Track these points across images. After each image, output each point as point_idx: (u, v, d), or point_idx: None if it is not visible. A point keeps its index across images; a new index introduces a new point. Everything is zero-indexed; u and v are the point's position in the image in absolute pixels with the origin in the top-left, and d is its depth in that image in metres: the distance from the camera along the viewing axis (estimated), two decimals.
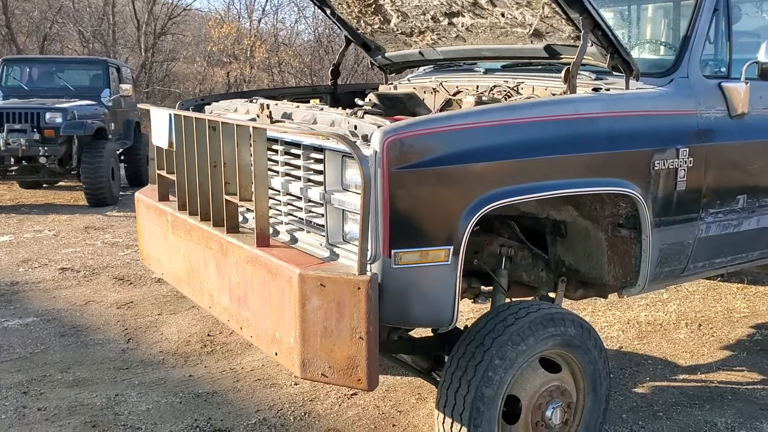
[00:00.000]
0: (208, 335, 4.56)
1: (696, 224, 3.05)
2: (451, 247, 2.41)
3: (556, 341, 2.74)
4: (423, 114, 3.79)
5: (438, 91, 3.76)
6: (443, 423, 2.66)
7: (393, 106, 3.86)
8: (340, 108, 3.00)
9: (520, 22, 3.04)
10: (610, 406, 3.59)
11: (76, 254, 6.73)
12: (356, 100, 3.93)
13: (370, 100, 3.90)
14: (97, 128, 9.64)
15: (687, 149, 2.91)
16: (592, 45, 2.88)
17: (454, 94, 3.66)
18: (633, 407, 3.61)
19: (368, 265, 2.34)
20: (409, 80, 4.16)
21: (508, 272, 3.29)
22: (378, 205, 2.29)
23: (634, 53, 3.55)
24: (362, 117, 2.59)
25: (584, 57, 2.96)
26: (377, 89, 4.22)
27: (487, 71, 3.64)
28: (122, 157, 10.97)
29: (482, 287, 3.39)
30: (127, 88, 10.58)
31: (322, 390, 3.73)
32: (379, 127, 2.37)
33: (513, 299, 3.81)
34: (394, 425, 3.42)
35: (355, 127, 2.53)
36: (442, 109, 3.72)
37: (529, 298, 3.54)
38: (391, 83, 4.22)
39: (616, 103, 2.79)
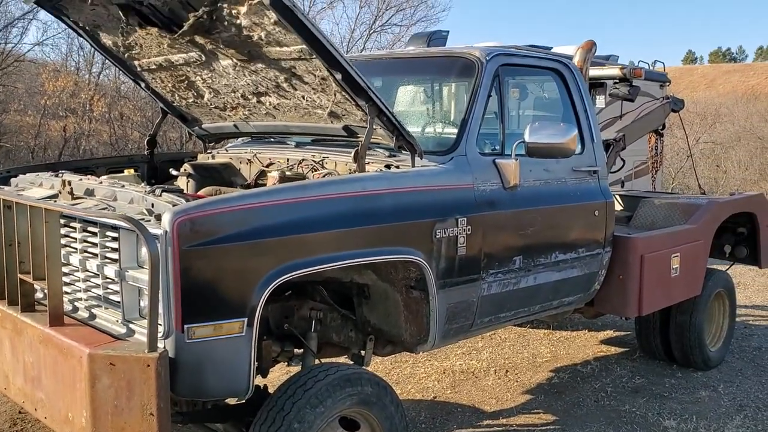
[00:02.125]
0: (20, 413, 4.32)
1: (478, 284, 3.42)
2: (246, 319, 2.56)
3: (353, 400, 2.94)
4: (239, 183, 3.96)
5: (252, 162, 3.95)
6: None
7: (209, 175, 4.00)
8: (144, 184, 3.09)
9: (319, 104, 3.31)
10: None
11: None
12: (171, 170, 4.02)
13: (185, 170, 4.02)
14: None
15: (465, 218, 3.28)
16: (381, 128, 3.20)
17: (267, 166, 3.87)
18: None
19: (162, 341, 2.43)
20: (227, 150, 4.32)
21: (320, 334, 3.48)
22: (169, 281, 2.40)
23: (428, 130, 3.97)
24: (160, 195, 2.70)
25: (375, 138, 3.30)
26: (195, 158, 4.34)
27: (298, 145, 3.89)
28: None
29: (295, 350, 3.55)
30: None
31: None
32: (174, 206, 2.51)
33: (327, 359, 4.02)
34: None
35: (153, 206, 2.64)
36: (256, 180, 3.91)
37: (342, 358, 3.76)
38: (210, 152, 4.34)
39: (400, 180, 3.11)
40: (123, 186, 2.92)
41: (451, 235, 3.23)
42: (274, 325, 3.35)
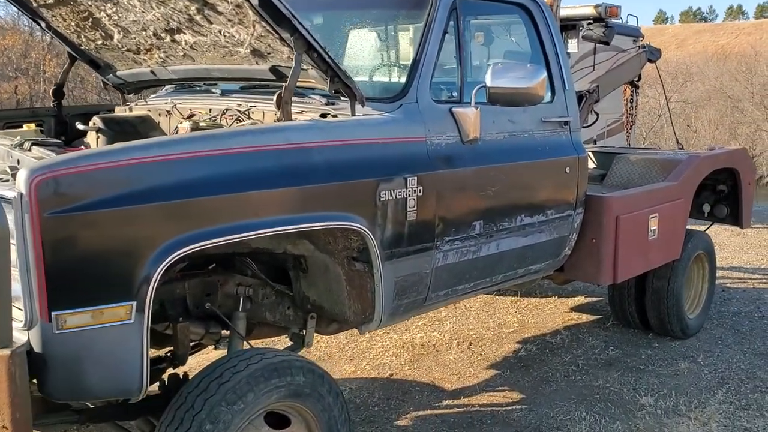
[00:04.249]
0: None
1: (432, 253, 2.95)
2: (134, 303, 2.06)
3: (282, 393, 2.48)
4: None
5: (172, 114, 3.40)
6: None
7: (122, 130, 3.45)
8: (15, 138, 2.52)
9: (238, 40, 2.77)
10: None
11: None
12: (77, 124, 3.46)
13: (94, 124, 3.46)
14: None
15: (416, 178, 2.79)
16: (312, 68, 2.68)
17: (187, 117, 3.32)
18: None
19: (24, 333, 1.93)
20: (146, 101, 3.75)
21: (252, 313, 3.01)
22: (29, 258, 1.89)
23: (375, 75, 3.44)
24: (29, 149, 2.17)
25: (307, 80, 2.78)
26: (113, 111, 3.77)
27: (224, 93, 3.35)
28: None
29: (224, 331, 3.07)
30: None
31: None
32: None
33: (264, 339, 3.55)
34: None
35: (18, 162, 2.11)
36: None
37: (283, 337, 3.30)
38: (128, 105, 3.78)
39: (334, 131, 2.60)
40: None
41: (398, 197, 2.73)
42: (193, 304, 2.85)
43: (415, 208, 2.80)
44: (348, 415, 2.74)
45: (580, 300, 5.81)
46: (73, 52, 3.63)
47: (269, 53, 2.77)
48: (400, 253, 2.80)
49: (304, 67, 2.66)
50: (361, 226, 2.62)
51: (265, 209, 2.35)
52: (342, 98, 2.81)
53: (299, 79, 2.77)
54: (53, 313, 1.92)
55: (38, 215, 1.88)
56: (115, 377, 2.08)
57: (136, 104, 3.77)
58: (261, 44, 2.71)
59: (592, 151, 5.26)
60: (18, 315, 1.98)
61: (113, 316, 2.02)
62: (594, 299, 5.80)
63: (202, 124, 2.83)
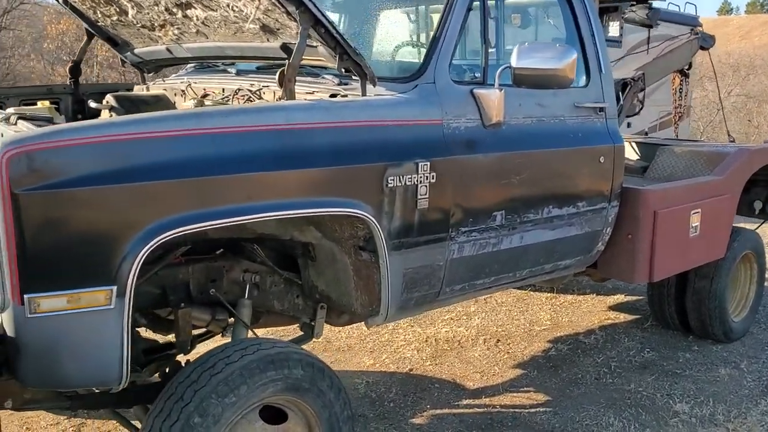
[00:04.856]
0: None
1: (446, 245, 2.77)
2: (114, 288, 1.95)
3: (278, 387, 2.35)
4: None
5: (187, 94, 3.30)
6: None
7: (136, 109, 3.37)
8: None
9: (247, 15, 2.63)
10: None
11: None
12: (90, 102, 3.39)
13: (107, 102, 3.39)
14: None
15: (428, 163, 2.61)
16: (321, 45, 2.52)
17: (202, 97, 3.22)
18: None
19: None
20: (164, 80, 3.67)
21: (259, 301, 2.90)
22: (0, 237, 1.79)
23: (394, 56, 3.27)
24: (15, 123, 2.08)
25: (316, 58, 2.62)
26: (131, 90, 3.70)
27: (240, 72, 3.23)
28: None
29: (230, 320, 2.96)
30: None
31: None
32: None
33: (272, 328, 3.44)
34: None
35: (2, 136, 2.02)
36: None
37: (294, 326, 3.18)
38: (147, 84, 3.70)
39: (339, 111, 2.44)
40: None
41: (408, 183, 2.56)
42: (197, 289, 2.75)
43: (426, 196, 2.62)
44: (351, 412, 2.60)
45: (619, 298, 5.53)
46: (90, 29, 3.57)
47: (278, 29, 2.62)
48: (409, 243, 2.63)
49: (314, 44, 2.51)
50: (366, 214, 2.46)
51: (261, 192, 2.22)
52: (354, 78, 2.65)
53: (310, 58, 2.63)
54: (26, 296, 1.83)
55: (9, 192, 1.79)
56: (93, 366, 1.98)
57: (154, 83, 3.69)
58: (269, 19, 2.57)
59: (635, 142, 4.98)
60: None
61: (91, 301, 1.92)
62: (634, 298, 5.52)
63: (207, 103, 2.70)
